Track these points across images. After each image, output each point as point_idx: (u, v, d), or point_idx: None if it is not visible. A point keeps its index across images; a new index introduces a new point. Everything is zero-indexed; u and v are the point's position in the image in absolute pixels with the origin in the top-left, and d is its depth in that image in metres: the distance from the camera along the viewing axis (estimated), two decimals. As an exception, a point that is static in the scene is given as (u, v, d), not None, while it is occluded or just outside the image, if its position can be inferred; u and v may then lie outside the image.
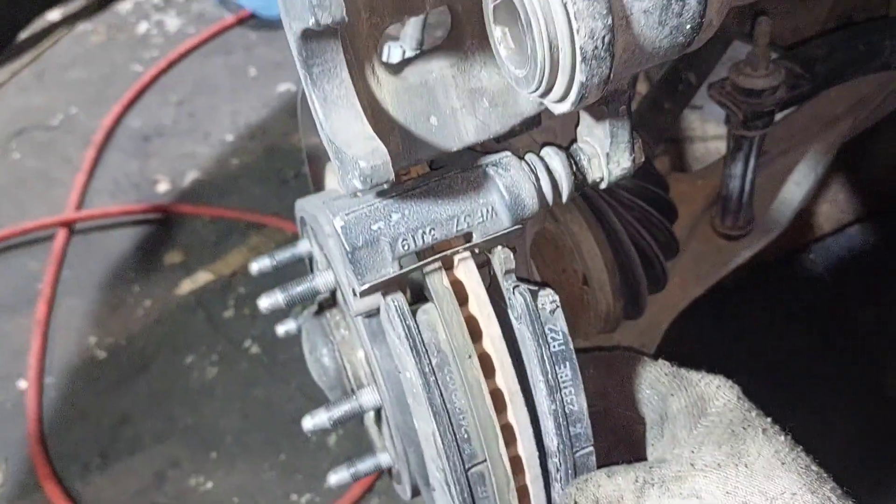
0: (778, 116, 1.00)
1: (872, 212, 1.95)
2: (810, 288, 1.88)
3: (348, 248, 0.59)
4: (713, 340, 1.68)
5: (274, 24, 2.77)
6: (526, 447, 0.64)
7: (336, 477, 0.83)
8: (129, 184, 2.33)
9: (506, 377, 0.64)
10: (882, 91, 1.09)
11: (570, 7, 0.48)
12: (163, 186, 2.31)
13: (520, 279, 0.64)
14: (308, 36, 0.51)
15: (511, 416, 0.64)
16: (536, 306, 0.62)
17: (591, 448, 0.63)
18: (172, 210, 2.22)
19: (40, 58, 2.72)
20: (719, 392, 0.63)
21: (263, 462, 1.72)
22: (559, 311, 0.63)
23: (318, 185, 1.01)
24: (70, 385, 1.89)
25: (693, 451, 0.59)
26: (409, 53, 0.65)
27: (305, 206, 0.84)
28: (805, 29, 1.38)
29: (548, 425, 0.62)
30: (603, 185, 0.63)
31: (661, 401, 0.65)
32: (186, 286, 2.06)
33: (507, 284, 0.63)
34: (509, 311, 0.64)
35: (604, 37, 0.49)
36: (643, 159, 0.62)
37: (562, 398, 0.61)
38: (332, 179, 0.90)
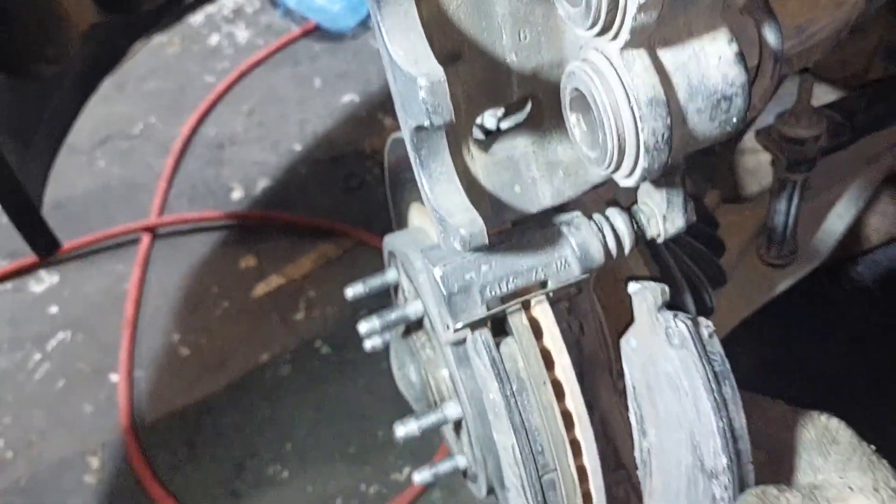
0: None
1: (921, 224, 2.00)
2: (857, 300, 1.94)
3: (445, 294, 0.71)
4: (761, 352, 1.76)
5: (337, 37, 2.92)
6: (590, 459, 0.76)
7: (420, 476, 0.96)
8: (206, 190, 2.50)
9: (574, 400, 0.75)
10: (922, 130, 1.16)
11: (636, 111, 0.59)
12: (237, 193, 2.47)
13: (672, 306, 0.71)
14: (420, 129, 0.63)
15: (578, 433, 0.76)
16: (698, 332, 0.69)
17: (752, 465, 0.67)
18: (247, 216, 2.37)
19: (120, 69, 2.90)
20: (841, 425, 0.73)
21: (335, 454, 1.87)
22: (715, 336, 0.70)
23: (399, 219, 1.14)
24: (157, 379, 2.06)
25: (841, 477, 0.68)
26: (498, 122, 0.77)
27: (395, 242, 0.97)
28: (852, 61, 1.45)
29: (710, 445, 0.66)
30: (659, 241, 0.74)
31: (786, 433, 0.73)
32: (261, 289, 2.21)
33: (664, 315, 0.70)
34: (667, 339, 0.69)
35: (663, 134, 0.60)
36: (695, 219, 0.73)
37: (728, 415, 0.66)
38: (416, 217, 1.02)
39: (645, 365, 0.74)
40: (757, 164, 2.31)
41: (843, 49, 1.44)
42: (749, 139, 2.26)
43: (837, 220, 1.15)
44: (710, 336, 0.69)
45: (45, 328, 2.19)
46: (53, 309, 2.23)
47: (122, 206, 2.48)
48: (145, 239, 2.33)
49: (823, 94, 1.47)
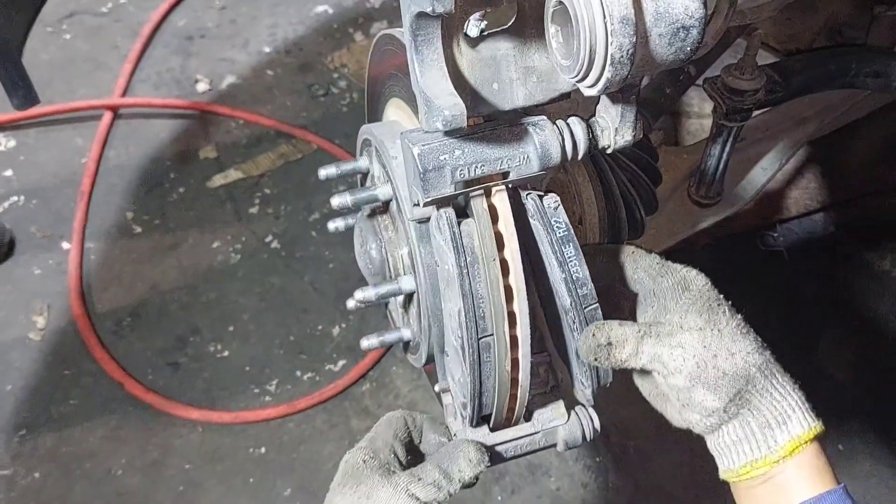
0: (756, 113, 1.22)
1: (837, 202, 2.20)
2: (769, 261, 2.13)
3: (421, 170, 0.81)
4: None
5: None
6: (522, 330, 0.88)
7: (367, 342, 1.07)
8: (171, 79, 2.52)
9: (516, 278, 0.87)
10: (846, 102, 1.31)
11: (609, 26, 0.70)
12: (202, 86, 2.50)
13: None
14: (421, 15, 0.73)
15: (515, 306, 0.88)
16: (543, 205, 0.85)
17: (597, 304, 0.84)
18: (210, 110, 2.41)
19: (94, -56, 2.85)
20: (698, 277, 0.86)
21: (275, 340, 1.98)
22: (560, 208, 0.86)
23: (373, 114, 1.23)
24: (108, 252, 2.12)
25: (680, 317, 0.82)
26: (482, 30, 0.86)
27: (373, 130, 1.06)
28: (799, 35, 1.59)
29: (561, 290, 0.84)
30: (609, 151, 0.86)
31: (651, 280, 0.88)
32: (218, 180, 2.27)
33: (523, 194, 0.86)
34: (527, 212, 0.85)
35: (628, 50, 0.71)
36: (641, 135, 0.85)
37: (569, 269, 0.83)
38: (392, 113, 1.11)
39: None
40: (699, 128, 2.46)
41: (792, 24, 1.57)
42: (696, 103, 2.41)
43: (761, 173, 1.30)
44: (556, 209, 0.85)
45: (-1, 189, 2.21)
46: (8, 172, 2.25)
47: (84, 81, 2.48)
48: (107, 116, 2.35)
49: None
